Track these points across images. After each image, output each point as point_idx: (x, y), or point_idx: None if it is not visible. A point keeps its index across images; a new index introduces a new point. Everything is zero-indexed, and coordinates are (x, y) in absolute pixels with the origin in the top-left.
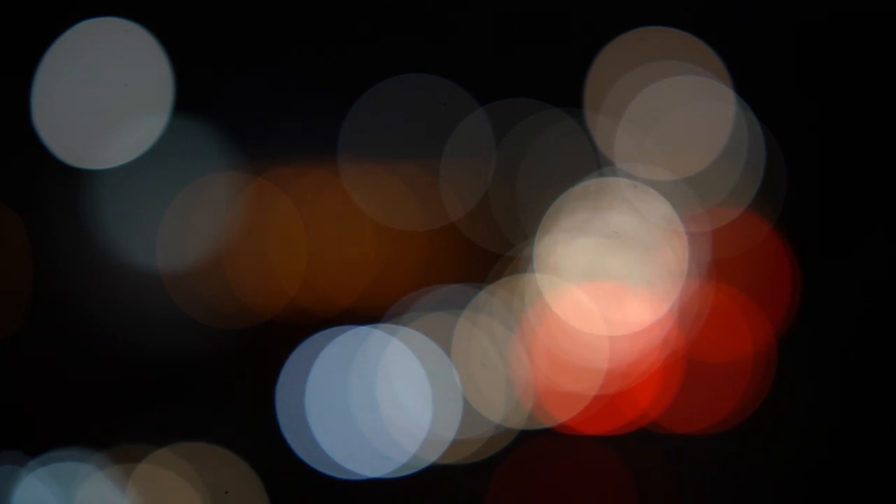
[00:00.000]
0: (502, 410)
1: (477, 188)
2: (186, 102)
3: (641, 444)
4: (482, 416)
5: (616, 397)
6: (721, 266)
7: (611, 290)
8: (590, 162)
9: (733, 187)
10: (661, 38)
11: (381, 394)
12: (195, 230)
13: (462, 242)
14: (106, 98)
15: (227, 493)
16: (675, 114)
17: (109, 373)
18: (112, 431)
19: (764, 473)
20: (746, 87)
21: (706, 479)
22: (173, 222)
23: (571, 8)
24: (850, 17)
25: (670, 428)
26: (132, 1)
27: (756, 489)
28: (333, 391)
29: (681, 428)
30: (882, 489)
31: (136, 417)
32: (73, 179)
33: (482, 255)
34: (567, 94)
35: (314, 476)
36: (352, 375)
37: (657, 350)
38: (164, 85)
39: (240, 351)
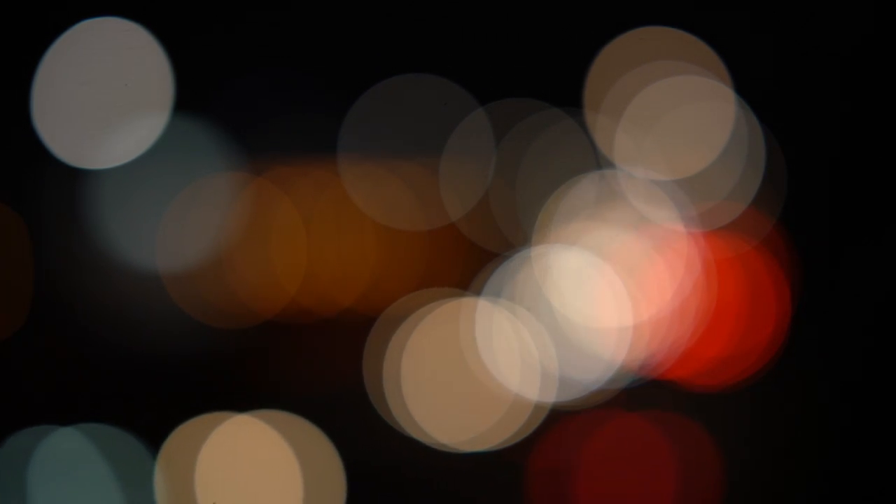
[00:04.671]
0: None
1: (477, 188)
2: (186, 102)
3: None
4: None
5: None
6: (721, 266)
7: (611, 290)
8: (589, 162)
9: (733, 187)
10: (661, 38)
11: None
12: (195, 230)
13: (462, 242)
14: (106, 98)
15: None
16: (675, 114)
17: (108, 373)
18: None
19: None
20: (746, 87)
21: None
22: (173, 222)
23: (571, 8)
24: (850, 17)
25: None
26: (132, 1)
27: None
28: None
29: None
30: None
31: (133, 417)
32: (73, 179)
33: (482, 255)
34: (567, 94)
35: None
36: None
37: (658, 350)
38: (164, 85)
39: (240, 351)
